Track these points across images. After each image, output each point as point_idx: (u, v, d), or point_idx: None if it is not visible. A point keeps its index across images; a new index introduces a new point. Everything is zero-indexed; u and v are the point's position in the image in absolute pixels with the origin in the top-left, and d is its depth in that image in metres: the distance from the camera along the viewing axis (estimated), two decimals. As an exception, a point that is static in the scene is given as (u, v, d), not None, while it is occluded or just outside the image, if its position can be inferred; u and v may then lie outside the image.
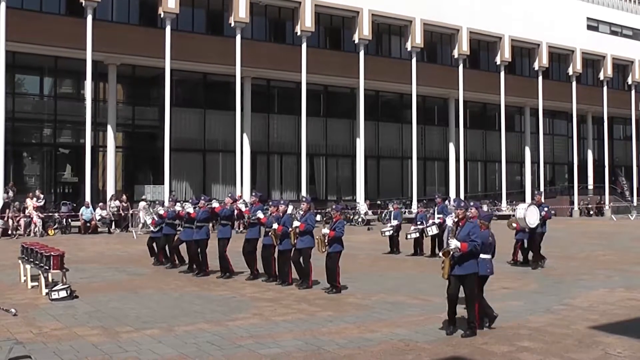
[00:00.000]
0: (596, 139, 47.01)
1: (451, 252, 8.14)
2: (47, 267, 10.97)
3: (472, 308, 8.16)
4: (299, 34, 31.50)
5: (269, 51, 31.85)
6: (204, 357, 7.20)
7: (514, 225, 15.50)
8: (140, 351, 7.41)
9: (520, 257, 15.53)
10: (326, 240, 11.43)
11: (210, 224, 17.16)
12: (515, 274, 13.86)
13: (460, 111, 37.01)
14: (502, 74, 38.58)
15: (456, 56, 37.06)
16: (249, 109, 31.77)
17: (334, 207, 12.74)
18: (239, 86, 29.43)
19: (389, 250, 18.34)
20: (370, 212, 32.19)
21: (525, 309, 9.81)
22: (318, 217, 26.09)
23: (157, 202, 18.32)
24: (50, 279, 11.03)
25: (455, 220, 8.46)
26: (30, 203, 24.41)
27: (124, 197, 27.15)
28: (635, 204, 44.56)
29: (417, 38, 34.98)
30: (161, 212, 15.29)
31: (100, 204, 26.12)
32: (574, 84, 41.93)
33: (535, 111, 41.47)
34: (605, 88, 44.02)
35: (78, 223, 24.89)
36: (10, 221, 23.46)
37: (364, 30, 33.21)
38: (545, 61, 40.54)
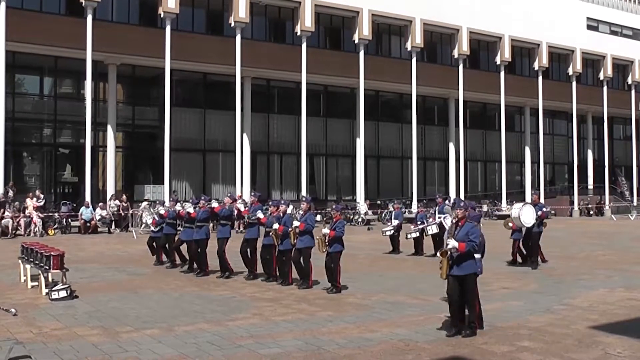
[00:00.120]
0: (596, 139, 47.01)
1: (449, 253, 8.15)
2: (47, 267, 10.97)
3: (472, 308, 8.16)
4: (299, 34, 31.50)
5: (269, 51, 31.85)
6: (204, 357, 7.20)
7: (510, 225, 15.52)
8: (140, 351, 7.41)
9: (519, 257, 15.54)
10: (327, 240, 11.44)
11: (211, 225, 17.20)
12: (515, 274, 13.87)
13: (460, 111, 37.01)
14: (502, 74, 38.58)
15: (456, 56, 37.05)
16: (249, 109, 31.78)
17: (334, 207, 12.76)
18: (239, 86, 29.43)
19: (390, 250, 18.36)
20: (370, 212, 32.20)
21: (525, 309, 9.80)
22: (318, 217, 26.11)
23: (157, 202, 18.29)
24: (50, 279, 11.03)
25: (454, 220, 8.45)
26: (30, 203, 24.41)
27: (124, 197, 27.15)
28: (635, 204, 44.55)
29: (417, 38, 34.98)
30: (162, 211, 15.30)
31: (100, 203, 26.12)
32: (574, 84, 41.93)
33: (535, 111, 41.47)
34: (605, 88, 44.01)
35: (78, 223, 24.89)
36: (10, 221, 23.44)
37: (364, 30, 33.21)
38: (545, 61, 40.54)
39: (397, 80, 35.19)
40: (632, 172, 46.07)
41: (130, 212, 26.91)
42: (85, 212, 24.87)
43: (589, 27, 43.24)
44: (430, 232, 17.26)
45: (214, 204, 14.20)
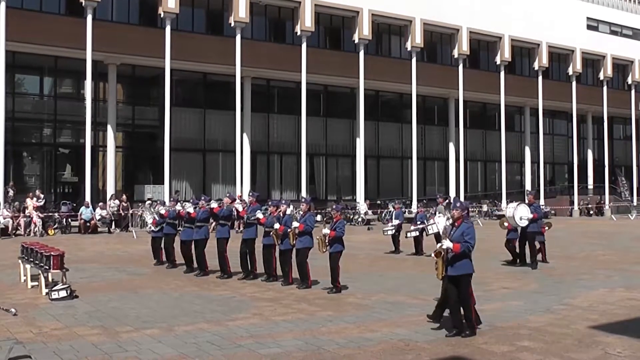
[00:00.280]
0: (596, 139, 47.00)
1: (442, 253, 8.17)
2: (47, 267, 10.98)
3: (467, 309, 8.17)
4: (299, 33, 31.49)
5: (269, 51, 31.84)
6: (204, 357, 7.20)
7: (506, 224, 15.53)
8: (140, 351, 7.41)
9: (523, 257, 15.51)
10: (327, 241, 11.45)
11: (212, 225, 17.18)
12: (515, 274, 13.88)
13: (460, 111, 37.00)
14: (502, 73, 38.56)
15: (456, 56, 37.04)
16: (249, 108, 31.77)
17: (334, 207, 12.76)
18: (239, 86, 29.42)
19: (392, 250, 18.36)
20: (370, 212, 32.19)
21: (525, 309, 9.81)
22: (319, 217, 26.11)
23: (157, 202, 18.28)
24: (50, 279, 11.03)
25: (450, 222, 8.48)
26: (30, 203, 24.42)
27: (124, 196, 27.15)
28: (635, 203, 44.55)
29: (417, 38, 34.97)
30: (162, 211, 15.30)
31: (100, 203, 26.12)
32: (574, 83, 41.92)
33: (535, 111, 41.46)
34: (605, 88, 43.99)
35: (78, 223, 24.87)
36: (10, 221, 23.44)
37: (364, 30, 33.20)
38: (545, 61, 40.52)
39: (397, 80, 35.18)
40: (632, 172, 46.07)
41: (130, 212, 26.91)
42: (85, 212, 24.87)
43: (589, 27, 43.23)
44: (430, 232, 17.23)
45: (213, 204, 14.20)
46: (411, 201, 34.20)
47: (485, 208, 37.11)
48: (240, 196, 25.85)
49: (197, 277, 13.29)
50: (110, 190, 28.10)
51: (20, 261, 12.55)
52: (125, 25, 29.01)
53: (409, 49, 35.29)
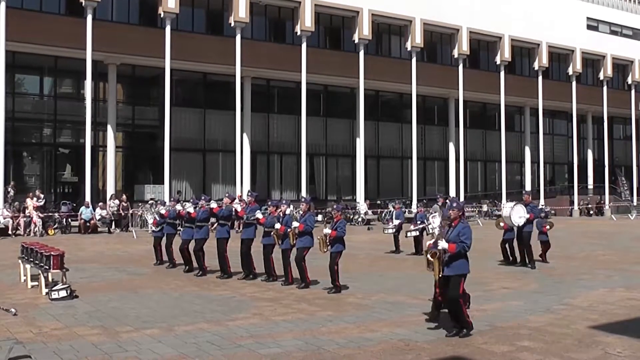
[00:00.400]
0: (596, 139, 47.00)
1: (438, 253, 8.17)
2: (47, 267, 10.98)
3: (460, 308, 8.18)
4: (299, 33, 31.49)
5: (269, 51, 31.84)
6: (204, 357, 7.20)
7: (502, 224, 15.51)
8: (140, 351, 7.41)
9: (518, 257, 15.51)
10: (328, 241, 11.45)
11: (213, 225, 17.15)
12: (515, 274, 13.87)
13: (460, 111, 37.00)
14: (502, 73, 38.56)
15: (456, 56, 37.04)
16: (249, 108, 31.77)
17: (334, 207, 12.75)
18: (239, 86, 29.43)
19: (392, 249, 18.37)
20: (370, 212, 32.19)
21: (525, 309, 9.81)
22: (319, 217, 26.09)
23: (158, 202, 18.29)
24: (50, 279, 11.03)
25: (444, 223, 8.48)
26: (30, 203, 24.41)
27: (124, 196, 27.16)
28: (635, 203, 44.56)
29: (417, 38, 34.97)
30: (163, 211, 15.31)
31: (100, 203, 26.12)
32: (573, 83, 41.92)
33: (535, 111, 41.46)
34: (605, 88, 44.00)
35: (78, 223, 24.87)
36: (10, 221, 23.45)
37: (364, 30, 33.20)
38: (545, 61, 40.53)
39: (397, 80, 35.18)
40: (632, 172, 46.07)
41: (130, 212, 26.91)
42: (85, 212, 24.87)
43: (589, 27, 43.23)
44: (431, 231, 17.24)
45: (213, 205, 14.21)
46: (411, 201, 34.19)
47: (485, 208, 37.09)
48: (240, 196, 25.85)
49: (197, 277, 13.29)
50: (110, 190, 28.11)
51: (20, 261, 12.54)
52: (125, 25, 29.01)
53: (409, 49, 35.30)
